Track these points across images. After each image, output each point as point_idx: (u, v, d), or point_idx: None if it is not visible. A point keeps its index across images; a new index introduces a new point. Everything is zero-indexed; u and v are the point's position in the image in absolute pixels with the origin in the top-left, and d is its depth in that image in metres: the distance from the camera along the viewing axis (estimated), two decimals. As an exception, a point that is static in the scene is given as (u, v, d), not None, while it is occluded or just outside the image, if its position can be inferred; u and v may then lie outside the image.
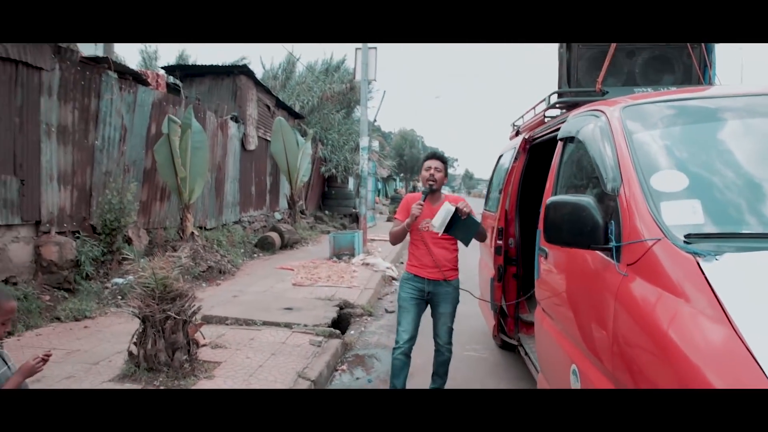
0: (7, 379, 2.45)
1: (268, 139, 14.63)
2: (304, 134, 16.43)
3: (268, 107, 15.12)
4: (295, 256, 11.61)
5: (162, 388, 4.07)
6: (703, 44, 4.13)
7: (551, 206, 2.30)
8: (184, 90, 11.93)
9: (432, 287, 3.96)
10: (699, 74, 4.14)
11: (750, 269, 1.69)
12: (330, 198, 21.50)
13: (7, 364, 2.53)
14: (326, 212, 20.40)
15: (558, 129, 3.50)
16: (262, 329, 5.85)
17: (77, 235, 7.05)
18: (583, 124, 2.94)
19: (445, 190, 4.60)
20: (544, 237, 2.39)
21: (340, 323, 6.61)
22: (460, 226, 3.77)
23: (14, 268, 6.08)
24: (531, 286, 3.77)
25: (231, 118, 12.31)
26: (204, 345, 4.90)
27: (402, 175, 51.99)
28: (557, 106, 4.18)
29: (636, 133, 2.43)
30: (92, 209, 7.33)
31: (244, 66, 13.44)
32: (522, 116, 5.51)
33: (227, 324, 6.04)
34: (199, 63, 14.51)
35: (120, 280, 7.00)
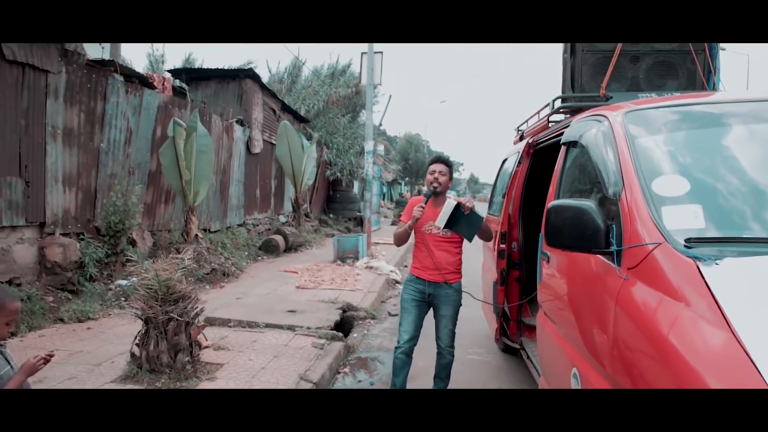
0: (10, 378, 2.47)
1: (274, 142, 14.66)
2: (309, 138, 16.46)
3: (274, 111, 15.16)
4: (299, 259, 11.63)
5: (164, 389, 4.09)
6: (707, 50, 4.13)
7: (553, 210, 2.30)
8: (190, 93, 11.97)
9: (432, 289, 3.99)
10: (703, 80, 4.13)
11: (750, 274, 1.69)
12: (335, 201, 21.50)
13: (10, 363, 2.54)
14: (331, 216, 20.41)
15: (561, 133, 3.51)
16: (265, 331, 5.86)
17: (81, 236, 7.08)
18: (586, 128, 2.94)
19: (451, 194, 4.62)
20: (546, 241, 2.40)
21: (343, 326, 6.62)
22: (463, 222, 3.82)
23: (18, 269, 6.10)
24: (534, 290, 3.77)
25: (236, 122, 12.35)
26: (207, 347, 4.91)
27: (407, 179, 51.97)
28: (561, 110, 4.19)
29: (638, 138, 2.43)
30: (97, 211, 7.36)
31: (250, 70, 13.49)
32: (526, 121, 5.51)
33: (230, 326, 6.05)
34: (205, 66, 14.57)
35: (124, 282, 7.03)
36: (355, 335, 6.34)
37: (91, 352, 4.90)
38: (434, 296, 4.00)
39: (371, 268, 10.42)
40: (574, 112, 3.96)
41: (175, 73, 13.27)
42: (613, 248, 2.10)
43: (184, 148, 8.61)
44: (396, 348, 4.06)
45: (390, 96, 35.44)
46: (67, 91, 6.74)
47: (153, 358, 4.24)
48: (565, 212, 2.24)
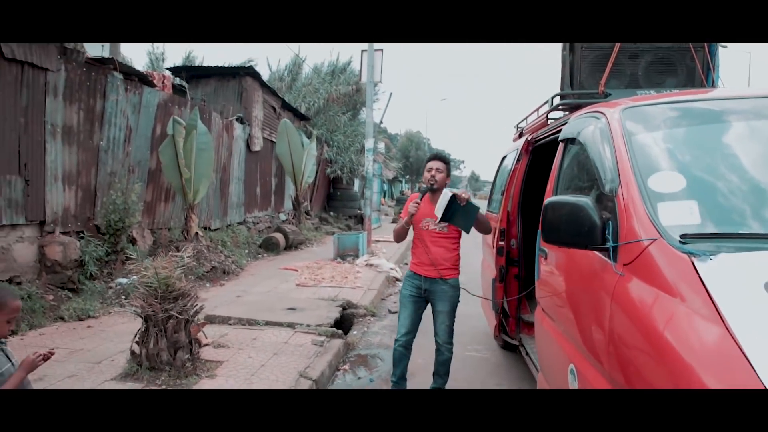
0: (10, 375, 2.48)
1: (274, 140, 14.67)
2: (309, 136, 16.46)
3: (274, 109, 15.16)
4: (300, 257, 11.64)
5: (164, 386, 4.10)
6: (706, 47, 4.13)
7: (549, 206, 2.31)
8: (190, 91, 11.97)
9: (428, 285, 4.05)
10: (702, 77, 4.14)
11: (744, 269, 1.69)
12: (335, 199, 21.51)
13: (11, 360, 2.56)
14: (331, 213, 20.42)
15: (560, 131, 3.51)
16: (265, 329, 5.87)
17: (81, 235, 7.09)
18: (583, 125, 2.95)
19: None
20: (543, 237, 2.40)
21: (343, 323, 6.63)
22: (460, 213, 3.86)
23: (18, 267, 6.11)
24: (532, 287, 3.78)
25: (236, 120, 12.35)
26: (206, 344, 4.92)
27: (408, 176, 52.02)
28: (560, 108, 4.19)
29: (635, 135, 2.44)
30: (97, 209, 7.37)
31: (250, 67, 13.48)
32: (525, 118, 5.51)
33: (230, 324, 6.06)
34: (205, 64, 14.57)
35: (124, 280, 7.04)
36: (355, 332, 6.35)
37: (92, 350, 4.91)
38: (430, 292, 4.05)
39: (371, 265, 10.44)
40: (572, 109, 3.97)
41: (175, 71, 13.27)
42: (609, 244, 2.11)
43: (184, 146, 8.62)
44: (395, 341, 4.19)
45: (390, 94, 35.44)
46: (67, 89, 6.74)
47: (153, 356, 4.25)
48: (561, 209, 2.25)
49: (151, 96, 8.65)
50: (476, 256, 6.18)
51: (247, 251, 11.29)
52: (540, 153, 4.69)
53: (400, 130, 59.10)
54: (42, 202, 6.46)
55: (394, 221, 21.78)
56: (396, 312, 6.85)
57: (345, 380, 4.91)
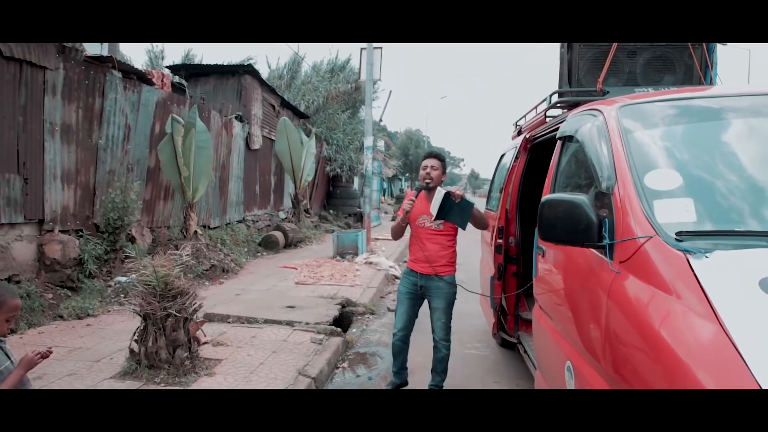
0: (9, 373, 2.49)
1: (273, 138, 14.66)
2: (308, 134, 16.45)
3: (273, 107, 15.16)
4: (299, 255, 11.65)
5: (163, 385, 4.10)
6: (704, 45, 4.13)
7: (546, 204, 2.32)
8: (189, 89, 11.97)
9: (424, 281, 4.10)
10: (700, 75, 4.13)
11: (739, 267, 1.70)
12: (335, 197, 21.51)
13: (10, 358, 2.56)
14: (331, 211, 20.42)
15: (558, 128, 3.51)
16: (264, 327, 5.88)
17: (80, 233, 7.09)
18: (581, 123, 2.95)
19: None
20: (540, 235, 2.41)
21: (342, 321, 6.63)
22: (455, 210, 3.90)
23: (17, 266, 6.12)
24: (530, 284, 3.79)
25: (235, 118, 12.35)
26: (205, 343, 4.93)
27: (407, 174, 52.00)
28: (558, 105, 4.19)
29: (632, 132, 2.44)
30: (96, 208, 7.37)
31: (249, 66, 13.47)
32: (524, 116, 5.51)
33: (229, 322, 6.07)
34: (204, 63, 14.56)
35: (123, 279, 7.04)
36: (353, 330, 6.35)
37: (91, 349, 4.92)
38: (426, 288, 4.10)
39: (371, 263, 10.45)
40: (571, 106, 3.96)
41: (174, 69, 13.27)
42: (606, 242, 2.11)
43: (183, 145, 8.62)
44: (393, 335, 4.32)
45: (390, 92, 35.49)
46: (65, 87, 6.74)
47: (152, 354, 4.26)
48: (558, 206, 2.25)
49: (150, 94, 8.65)
50: (476, 254, 6.19)
51: (246, 249, 11.30)
52: (538, 151, 4.69)
53: (399, 128, 59.14)
54: (41, 201, 6.46)
55: (393, 219, 21.74)
56: (395, 310, 6.87)
57: (344, 378, 4.92)
